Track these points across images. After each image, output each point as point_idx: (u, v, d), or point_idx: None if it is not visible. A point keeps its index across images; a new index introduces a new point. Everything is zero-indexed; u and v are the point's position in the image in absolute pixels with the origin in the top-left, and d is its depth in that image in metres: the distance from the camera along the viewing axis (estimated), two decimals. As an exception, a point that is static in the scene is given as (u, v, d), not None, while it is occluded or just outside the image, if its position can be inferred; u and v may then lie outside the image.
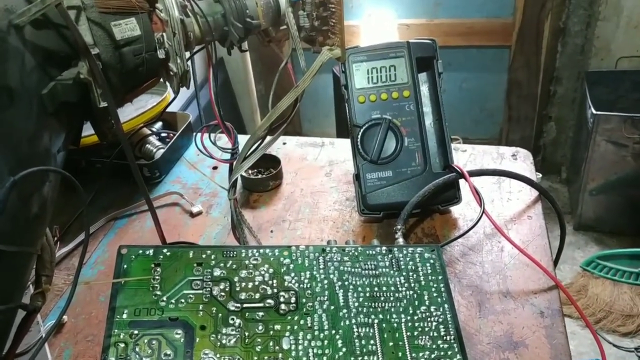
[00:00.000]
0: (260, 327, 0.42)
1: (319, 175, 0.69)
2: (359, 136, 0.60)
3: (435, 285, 0.47)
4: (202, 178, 0.70)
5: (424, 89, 0.62)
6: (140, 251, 0.45)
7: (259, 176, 0.67)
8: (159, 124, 0.75)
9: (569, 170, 1.73)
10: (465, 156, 0.70)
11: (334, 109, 1.56)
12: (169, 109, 0.71)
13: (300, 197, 0.66)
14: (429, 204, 0.60)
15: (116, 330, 0.41)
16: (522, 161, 0.69)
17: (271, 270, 0.46)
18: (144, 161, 0.69)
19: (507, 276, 0.54)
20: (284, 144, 0.75)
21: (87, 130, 0.44)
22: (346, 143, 0.73)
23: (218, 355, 0.40)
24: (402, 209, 0.58)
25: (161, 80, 0.45)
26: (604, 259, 1.36)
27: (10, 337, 0.35)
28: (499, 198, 0.63)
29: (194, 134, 0.75)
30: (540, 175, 0.69)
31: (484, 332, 0.49)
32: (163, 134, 0.74)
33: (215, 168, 0.71)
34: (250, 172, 0.67)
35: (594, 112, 1.38)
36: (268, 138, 0.52)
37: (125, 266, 0.44)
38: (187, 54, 0.44)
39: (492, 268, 0.55)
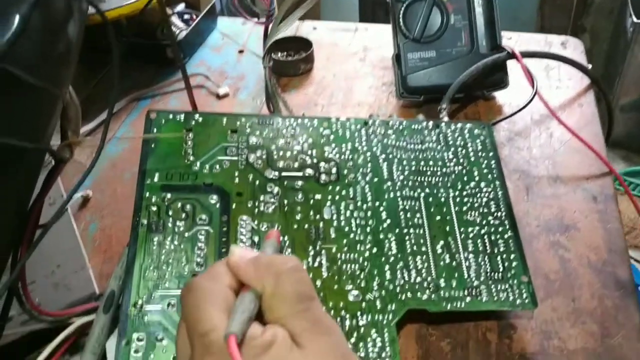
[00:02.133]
0: (300, 196, 0.40)
1: (353, 60, 0.65)
2: (401, 12, 0.55)
3: (485, 162, 0.44)
4: (228, 62, 0.66)
5: (474, -38, 0.56)
6: (171, 116, 0.42)
7: (289, 59, 0.63)
8: (181, 5, 0.70)
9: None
10: (510, 44, 0.65)
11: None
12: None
13: (333, 81, 0.62)
14: (474, 87, 0.56)
15: (147, 194, 0.38)
16: (572, 50, 0.64)
17: (310, 141, 0.42)
18: (166, 42, 0.65)
19: (556, 162, 0.51)
20: (315, 29, 0.70)
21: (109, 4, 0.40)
22: (381, 28, 0.68)
23: (256, 222, 0.38)
24: (444, 92, 0.54)
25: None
26: (631, 175, 1.33)
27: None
28: (548, 86, 0.59)
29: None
30: (590, 65, 0.64)
31: (533, 215, 0.46)
32: (186, 16, 0.69)
33: (241, 52, 0.67)
34: (279, 54, 0.63)
35: (635, 20, 1.30)
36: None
37: (154, 130, 0.41)
38: None
39: (541, 153, 0.51)
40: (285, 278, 0.25)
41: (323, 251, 0.38)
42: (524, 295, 0.38)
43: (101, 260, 0.45)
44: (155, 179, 0.39)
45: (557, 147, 0.52)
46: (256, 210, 0.39)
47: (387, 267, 0.38)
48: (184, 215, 0.38)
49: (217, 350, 0.22)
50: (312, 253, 0.38)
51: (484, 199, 0.42)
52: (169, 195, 0.38)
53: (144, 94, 0.62)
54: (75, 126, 0.36)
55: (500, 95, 0.58)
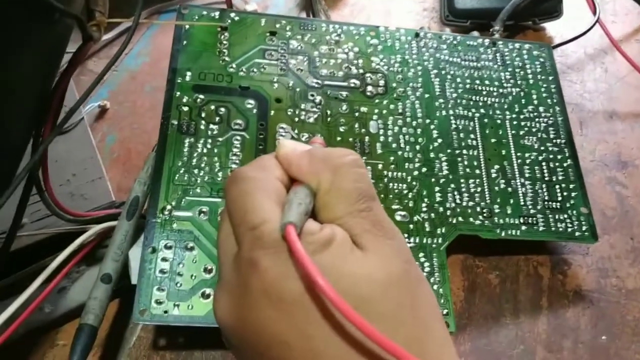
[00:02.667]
0: (344, 107, 0.36)
1: (391, -16, 0.60)
2: None
3: (545, 86, 0.40)
4: (256, -21, 0.61)
5: None
6: (205, 12, 0.37)
7: (323, -22, 0.58)
8: None
9: None
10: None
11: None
12: None
13: (369, 4, 0.57)
14: (524, 15, 0.51)
15: (178, 93, 0.34)
16: (627, -14, 0.59)
17: (356, 49, 0.38)
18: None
19: (612, 97, 0.47)
20: (349, -49, 0.65)
21: None
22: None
23: (296, 131, 0.35)
24: (493, 18, 0.49)
25: None
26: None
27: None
28: (603, 19, 0.55)
29: None
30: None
31: (587, 150, 0.43)
32: None
33: (270, -30, 0.62)
34: (312, -27, 0.58)
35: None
36: None
37: (186, 27, 0.37)
38: None
39: (596, 88, 0.48)
40: (345, 173, 0.21)
41: (368, 167, 0.34)
42: (584, 228, 0.35)
43: (119, 173, 0.42)
44: (187, 78, 0.35)
45: (612, 82, 0.48)
46: (296, 118, 0.35)
47: (437, 188, 0.35)
48: (217, 118, 0.34)
49: (271, 244, 0.19)
50: (356, 168, 0.34)
51: (543, 124, 0.38)
52: (201, 97, 0.34)
53: (166, 7, 0.57)
54: (102, 8, 0.32)
55: (550, 27, 0.53)
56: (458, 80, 0.39)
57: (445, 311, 0.31)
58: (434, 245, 0.33)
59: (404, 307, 0.19)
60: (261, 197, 0.21)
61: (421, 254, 0.33)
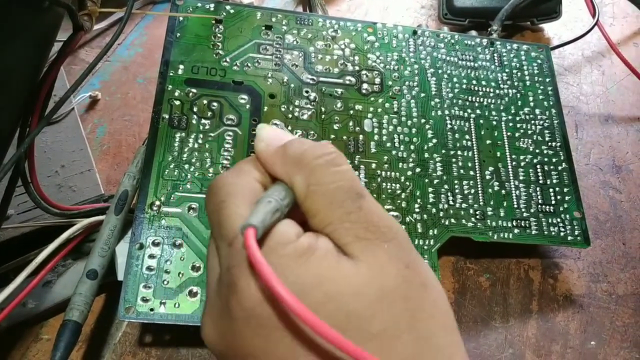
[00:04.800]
0: (339, 105, 0.36)
1: (389, -20, 0.59)
2: None
3: (542, 88, 0.39)
4: (253, -29, 0.60)
5: None
6: (200, 4, 0.37)
7: (321, -29, 0.57)
8: None
9: None
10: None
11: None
12: None
13: (367, 0, 0.57)
14: (523, 16, 0.51)
15: (170, 87, 0.34)
16: (626, -12, 0.59)
17: (353, 46, 0.38)
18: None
19: (609, 100, 0.47)
20: (348, -55, 0.64)
21: None
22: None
23: (290, 128, 0.34)
24: (491, 17, 0.49)
25: None
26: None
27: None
28: (601, 22, 0.54)
29: None
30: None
31: (582, 153, 0.43)
32: None
33: (267, -38, 0.61)
34: (310, -34, 0.57)
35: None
36: None
37: (180, 19, 0.36)
38: None
39: (592, 91, 0.47)
40: (320, 175, 0.19)
41: (362, 166, 0.34)
42: (576, 232, 0.35)
43: (109, 165, 0.41)
44: (180, 72, 0.34)
45: (609, 85, 0.48)
46: (290, 115, 0.34)
47: (430, 189, 0.34)
48: (210, 113, 0.33)
49: (245, 259, 0.17)
50: (349, 167, 0.34)
51: (539, 127, 0.38)
52: (194, 91, 0.34)
53: (161, -3, 0.56)
54: (93, -3, 0.32)
55: (548, 27, 0.53)
56: (455, 80, 0.38)
57: (435, 314, 0.31)
58: (425, 247, 0.33)
59: (399, 322, 0.17)
60: (236, 203, 0.19)
61: (413, 256, 0.32)
